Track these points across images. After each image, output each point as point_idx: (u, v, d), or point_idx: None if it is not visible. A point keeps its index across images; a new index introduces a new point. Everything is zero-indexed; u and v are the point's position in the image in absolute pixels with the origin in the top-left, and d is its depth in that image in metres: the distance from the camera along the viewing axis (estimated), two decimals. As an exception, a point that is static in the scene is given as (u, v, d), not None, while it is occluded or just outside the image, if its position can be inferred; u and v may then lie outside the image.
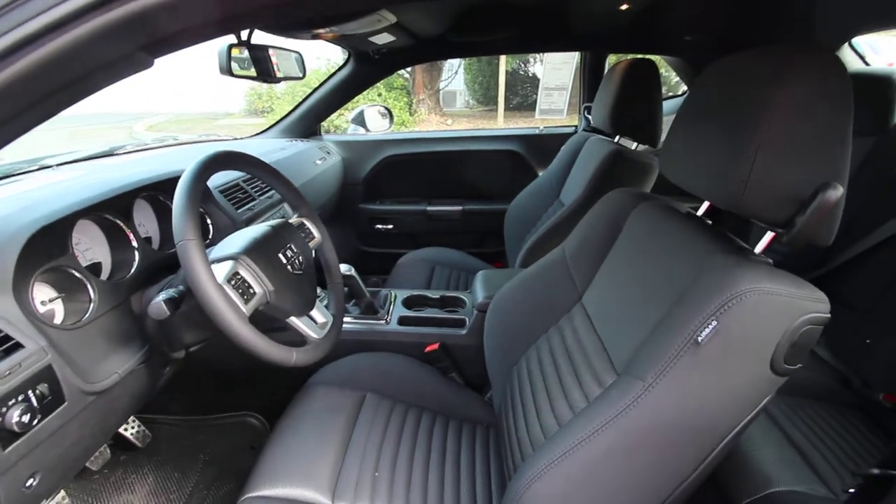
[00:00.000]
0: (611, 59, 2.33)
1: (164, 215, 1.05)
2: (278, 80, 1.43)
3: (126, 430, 1.29)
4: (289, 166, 1.70)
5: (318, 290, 1.04)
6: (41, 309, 0.73)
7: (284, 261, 0.86)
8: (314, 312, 0.94)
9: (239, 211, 1.24)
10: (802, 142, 0.55)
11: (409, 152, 2.34)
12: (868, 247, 1.20)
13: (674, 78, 4.29)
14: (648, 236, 0.81)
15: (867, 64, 1.71)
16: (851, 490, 0.81)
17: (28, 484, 0.67)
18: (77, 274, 0.79)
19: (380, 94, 8.04)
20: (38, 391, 0.65)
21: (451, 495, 0.88)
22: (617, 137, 1.57)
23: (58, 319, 0.76)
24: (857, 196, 1.00)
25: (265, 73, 1.36)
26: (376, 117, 2.34)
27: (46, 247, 0.74)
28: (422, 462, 0.93)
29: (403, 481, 0.89)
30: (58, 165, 1.24)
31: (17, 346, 0.64)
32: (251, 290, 0.78)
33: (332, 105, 2.16)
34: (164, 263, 0.97)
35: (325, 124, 2.33)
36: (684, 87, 2.37)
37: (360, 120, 2.30)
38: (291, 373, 0.90)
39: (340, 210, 2.33)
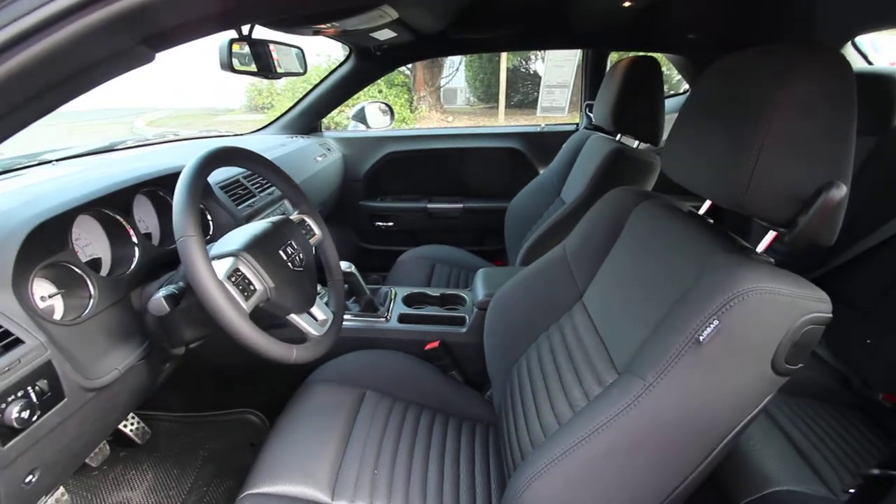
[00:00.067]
0: (612, 57, 2.32)
1: (164, 211, 1.05)
2: (279, 76, 1.42)
3: (126, 426, 1.29)
4: (289, 163, 1.69)
5: (319, 287, 1.03)
6: (41, 304, 0.72)
7: (285, 257, 0.86)
8: (314, 309, 0.94)
9: (239, 207, 1.23)
10: (806, 141, 0.55)
11: (409, 149, 2.33)
12: (870, 246, 1.20)
13: (675, 76, 4.28)
14: (650, 235, 0.81)
15: (870, 63, 1.70)
16: (851, 490, 0.81)
17: (27, 480, 0.67)
18: (77, 270, 0.78)
19: (380, 91, 8.02)
20: (37, 387, 0.65)
21: (450, 493, 0.88)
22: (618, 135, 1.57)
23: (57, 315, 0.76)
24: (859, 196, 1.00)
25: (266, 68, 1.35)
26: (377, 114, 2.33)
27: (46, 242, 0.74)
28: (421, 460, 0.93)
29: (403, 479, 0.89)
30: (57, 161, 1.23)
31: (17, 341, 0.64)
32: (251, 287, 0.78)
33: (333, 101, 2.15)
34: (164, 259, 0.97)
35: (325, 121, 2.33)
36: (686, 86, 2.36)
37: (360, 117, 2.30)
38: (291, 370, 0.90)
39: (341, 207, 2.32)
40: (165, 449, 1.38)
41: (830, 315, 0.57)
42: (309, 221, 1.02)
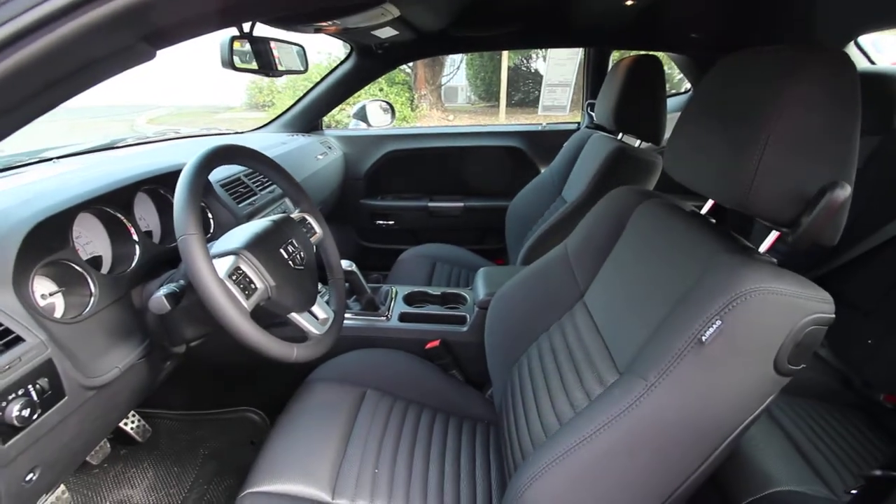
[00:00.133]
0: (614, 56, 2.32)
1: (164, 209, 1.05)
2: (280, 74, 1.42)
3: (126, 424, 1.30)
4: (290, 161, 1.69)
5: (320, 285, 1.03)
6: (41, 303, 0.72)
7: (286, 256, 0.86)
8: (315, 308, 0.94)
9: (240, 205, 1.23)
10: (810, 140, 0.54)
11: (410, 148, 2.33)
12: (871, 247, 1.19)
13: (676, 75, 4.27)
14: (652, 234, 0.80)
15: (873, 63, 1.70)
16: (853, 491, 0.81)
17: (28, 478, 0.67)
18: (77, 268, 0.78)
19: (381, 90, 8.02)
20: (38, 385, 0.65)
21: (451, 492, 0.88)
22: (620, 135, 1.56)
23: (58, 313, 0.76)
24: (861, 195, 1.00)
25: (267, 66, 1.35)
26: (378, 112, 2.33)
27: (47, 240, 0.74)
28: (422, 459, 0.93)
29: (403, 478, 0.89)
30: (58, 158, 1.23)
31: (18, 339, 0.64)
32: (252, 286, 0.77)
33: (334, 100, 2.15)
34: (164, 257, 0.96)
35: (326, 119, 2.32)
36: (687, 85, 2.36)
37: (361, 115, 2.29)
38: (292, 368, 0.89)
39: (341, 205, 2.32)
40: (166, 447, 1.38)
41: (833, 316, 0.57)
42: (310, 220, 1.02)
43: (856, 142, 0.55)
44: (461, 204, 2.34)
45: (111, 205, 0.89)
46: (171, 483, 1.29)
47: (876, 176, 1.26)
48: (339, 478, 0.87)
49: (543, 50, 7.84)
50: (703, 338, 0.56)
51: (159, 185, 1.02)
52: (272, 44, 1.36)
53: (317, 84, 2.11)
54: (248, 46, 1.30)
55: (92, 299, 0.79)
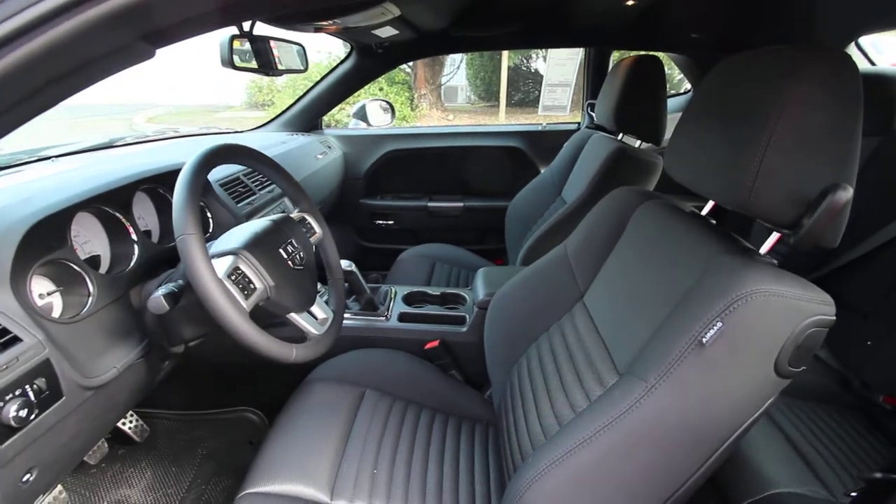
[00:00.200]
0: (615, 56, 2.32)
1: (163, 208, 1.05)
2: (280, 73, 1.42)
3: (124, 424, 1.29)
4: (290, 160, 1.69)
5: (319, 285, 1.03)
6: (39, 302, 0.72)
7: (285, 256, 0.86)
8: (314, 308, 0.94)
9: (239, 205, 1.23)
10: (812, 141, 0.54)
11: (410, 147, 2.33)
12: (871, 248, 1.19)
13: (676, 75, 4.27)
14: (652, 235, 0.80)
15: (873, 64, 1.70)
16: (853, 494, 0.81)
17: (25, 479, 0.66)
18: (76, 267, 0.78)
19: (381, 89, 8.01)
20: (35, 386, 0.64)
21: (449, 493, 0.88)
22: (620, 135, 1.56)
23: (56, 313, 0.75)
24: (861, 197, 1.00)
25: (267, 65, 1.35)
26: (378, 112, 2.32)
27: (45, 239, 0.73)
28: (421, 459, 0.93)
29: (402, 478, 0.89)
30: (57, 157, 1.23)
31: (15, 339, 0.63)
32: (251, 286, 0.77)
33: (334, 99, 2.14)
34: (163, 257, 0.96)
35: (326, 118, 2.32)
36: (687, 85, 2.36)
37: (361, 114, 2.29)
38: (291, 369, 0.89)
39: (341, 205, 2.32)
40: (164, 447, 1.38)
41: (834, 318, 0.57)
42: (309, 219, 1.02)
43: (857, 142, 0.54)
44: (461, 204, 2.34)
45: (110, 204, 0.88)
46: (170, 483, 1.29)
47: (876, 177, 1.26)
48: (337, 478, 0.86)
49: (543, 50, 7.84)
50: (704, 340, 0.56)
51: (158, 184, 1.02)
52: (272, 43, 1.35)
53: (317, 83, 2.11)
54: (247, 45, 1.30)
55: (90, 299, 0.79)
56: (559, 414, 0.78)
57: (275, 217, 0.92)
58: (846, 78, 0.54)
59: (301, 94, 2.16)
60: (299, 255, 0.89)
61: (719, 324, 0.56)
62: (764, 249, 0.64)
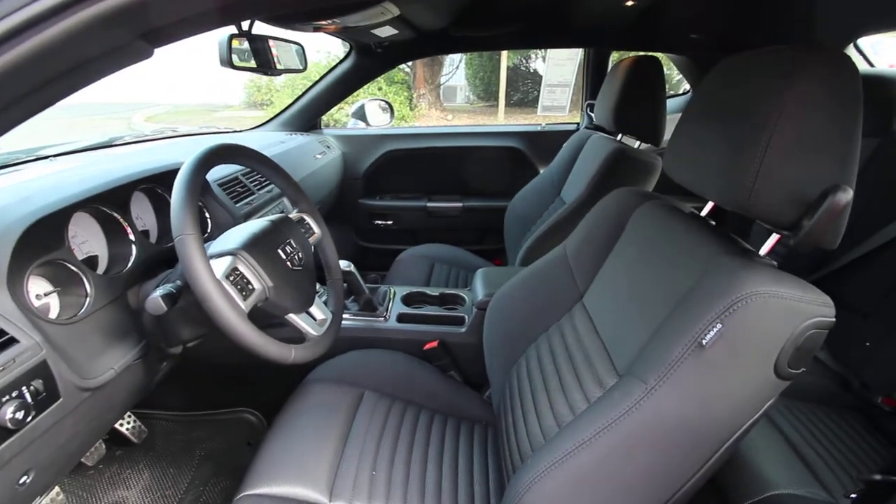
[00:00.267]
0: (614, 57, 2.32)
1: (161, 208, 1.04)
2: (279, 73, 1.42)
3: (122, 425, 1.28)
4: (288, 160, 1.68)
5: (318, 286, 1.03)
6: (36, 303, 0.72)
7: (284, 256, 0.86)
8: (313, 309, 0.93)
9: (238, 205, 1.22)
10: (812, 142, 0.54)
11: (409, 147, 2.32)
12: (871, 249, 1.19)
13: (675, 76, 4.28)
14: (651, 236, 0.80)
15: (872, 65, 1.70)
16: (853, 495, 0.81)
17: (21, 481, 0.66)
18: (73, 267, 0.78)
19: (380, 89, 8.00)
20: (32, 387, 0.64)
21: (448, 494, 0.88)
22: (619, 135, 1.56)
23: (53, 314, 0.75)
24: (860, 198, 1.00)
25: (265, 64, 1.34)
26: (377, 111, 2.32)
27: (42, 240, 0.73)
28: (420, 460, 0.93)
29: (401, 479, 0.88)
30: (55, 156, 1.22)
31: (12, 340, 0.63)
32: (250, 287, 0.77)
33: (333, 98, 2.14)
34: (161, 257, 0.96)
35: (325, 118, 2.32)
36: (686, 86, 2.36)
37: (360, 114, 2.29)
38: (289, 369, 0.89)
39: (340, 205, 2.31)
40: (162, 448, 1.37)
41: (834, 319, 0.57)
42: (308, 220, 1.01)
43: (857, 142, 0.54)
44: (460, 204, 2.33)
45: (108, 204, 0.88)
46: (167, 484, 1.29)
47: (875, 178, 1.26)
48: (336, 479, 0.86)
49: (543, 50, 7.85)
50: (704, 341, 0.56)
51: (156, 184, 1.01)
52: (271, 42, 1.35)
53: (315, 83, 2.10)
54: (246, 45, 1.29)
55: (87, 300, 0.78)
56: (558, 415, 0.78)
57: (273, 217, 0.91)
58: (846, 78, 0.54)
59: (300, 93, 2.15)
60: (298, 256, 0.89)
61: (719, 325, 0.56)
62: (763, 250, 0.64)
